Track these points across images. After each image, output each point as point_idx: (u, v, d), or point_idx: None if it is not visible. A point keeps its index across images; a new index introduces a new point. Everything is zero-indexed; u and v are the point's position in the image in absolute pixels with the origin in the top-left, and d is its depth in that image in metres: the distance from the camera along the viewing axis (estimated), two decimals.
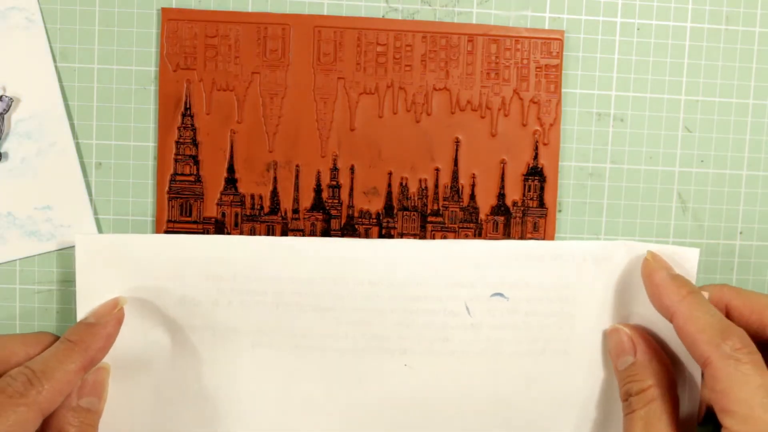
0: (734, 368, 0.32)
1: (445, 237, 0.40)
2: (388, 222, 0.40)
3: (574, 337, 0.39)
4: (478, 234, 0.40)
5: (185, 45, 0.39)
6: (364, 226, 0.40)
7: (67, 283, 0.39)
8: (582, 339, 0.39)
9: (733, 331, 0.33)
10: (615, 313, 0.39)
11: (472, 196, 0.40)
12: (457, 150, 0.40)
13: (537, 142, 0.40)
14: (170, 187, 0.39)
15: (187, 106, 0.39)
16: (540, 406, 0.40)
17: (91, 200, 0.39)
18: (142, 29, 0.38)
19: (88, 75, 0.38)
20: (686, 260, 0.39)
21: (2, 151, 0.38)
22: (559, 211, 0.40)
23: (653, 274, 0.36)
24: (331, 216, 0.40)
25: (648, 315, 0.39)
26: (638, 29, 0.40)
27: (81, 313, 0.38)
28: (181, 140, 0.39)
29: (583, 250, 0.39)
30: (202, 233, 0.39)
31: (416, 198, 0.40)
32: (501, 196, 0.40)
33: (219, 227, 0.39)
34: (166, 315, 0.38)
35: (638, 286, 0.38)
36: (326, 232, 0.39)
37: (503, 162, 0.40)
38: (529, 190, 0.40)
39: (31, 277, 0.39)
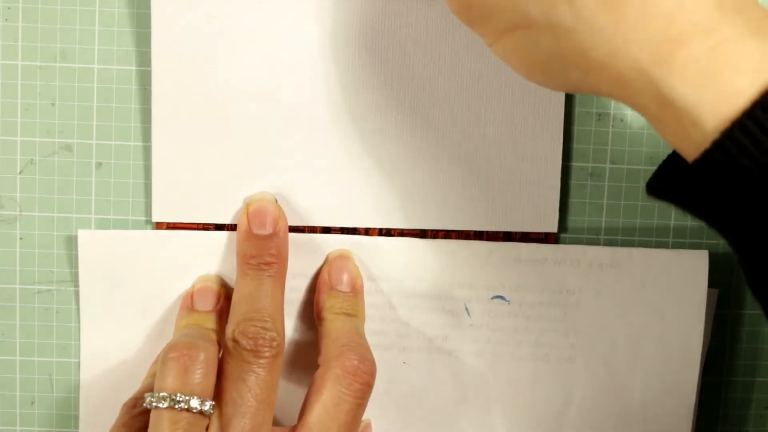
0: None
1: (446, 237, 0.39)
2: None
3: (579, 345, 0.39)
4: (479, 235, 0.40)
5: None
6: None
7: (67, 283, 0.39)
8: (588, 347, 0.39)
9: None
10: (622, 321, 0.39)
11: None
12: None
13: None
14: None
15: None
16: (541, 411, 0.40)
17: (91, 200, 0.39)
18: (141, 29, 0.38)
19: (88, 75, 0.38)
20: (695, 263, 0.39)
21: None
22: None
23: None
24: None
25: (654, 324, 0.39)
26: None
27: (84, 310, 0.38)
28: None
29: (588, 255, 0.39)
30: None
31: None
32: None
33: (220, 225, 0.39)
34: (169, 310, 0.38)
35: (645, 294, 0.39)
36: (327, 229, 0.39)
37: None
38: None
39: (31, 277, 0.39)
